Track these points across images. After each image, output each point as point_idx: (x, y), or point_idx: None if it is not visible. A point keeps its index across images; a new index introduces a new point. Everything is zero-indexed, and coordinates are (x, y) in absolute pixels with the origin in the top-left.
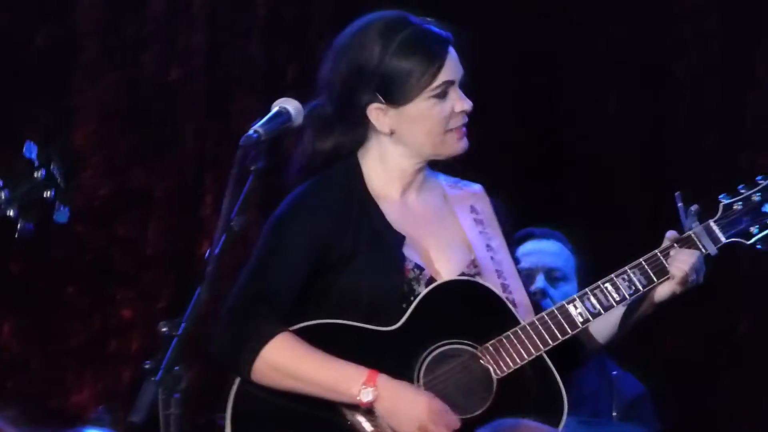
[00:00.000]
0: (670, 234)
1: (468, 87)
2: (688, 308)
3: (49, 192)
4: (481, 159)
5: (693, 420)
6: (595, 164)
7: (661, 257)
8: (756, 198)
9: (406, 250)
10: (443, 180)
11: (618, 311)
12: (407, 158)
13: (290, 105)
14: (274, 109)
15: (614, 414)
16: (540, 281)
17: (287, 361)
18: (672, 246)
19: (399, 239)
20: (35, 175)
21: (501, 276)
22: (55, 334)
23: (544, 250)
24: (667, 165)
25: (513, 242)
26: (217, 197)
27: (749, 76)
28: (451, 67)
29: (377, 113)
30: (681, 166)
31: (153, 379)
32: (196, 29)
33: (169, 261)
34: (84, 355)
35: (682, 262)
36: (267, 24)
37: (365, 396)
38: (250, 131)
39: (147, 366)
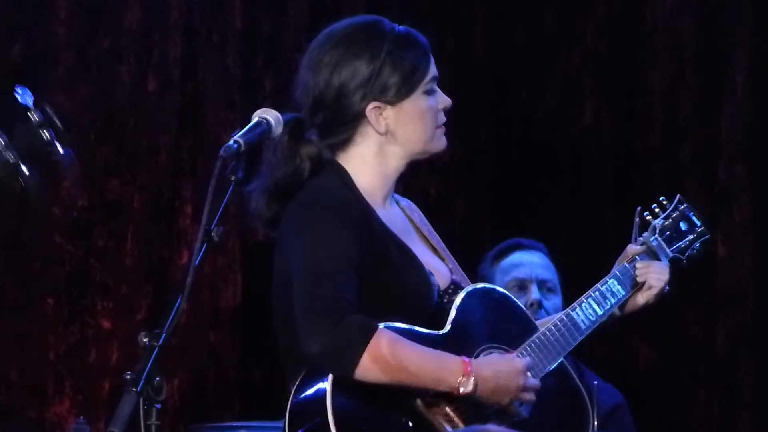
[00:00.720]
0: (631, 248)
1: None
2: (663, 319)
3: (47, 133)
4: (457, 170)
5: None
6: (571, 176)
7: (630, 269)
8: (674, 216)
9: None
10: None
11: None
12: (399, 158)
13: (270, 115)
14: (254, 119)
15: (595, 423)
16: (534, 292)
17: (393, 353)
18: (635, 258)
19: (405, 245)
20: (32, 117)
21: (467, 285)
22: (34, 345)
23: (535, 261)
24: (643, 177)
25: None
26: (195, 208)
27: (724, 87)
28: (434, 64)
29: (376, 113)
30: (657, 177)
31: (133, 389)
32: (172, 41)
33: (148, 271)
34: (63, 365)
35: (659, 273)
36: (243, 35)
37: (467, 387)
38: (230, 141)
39: (127, 377)
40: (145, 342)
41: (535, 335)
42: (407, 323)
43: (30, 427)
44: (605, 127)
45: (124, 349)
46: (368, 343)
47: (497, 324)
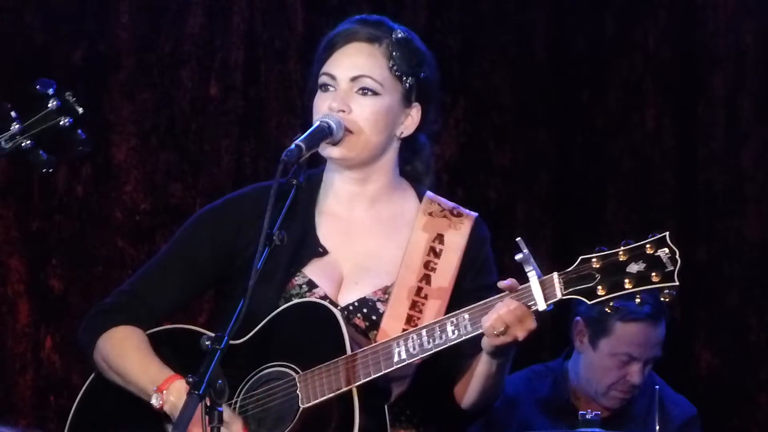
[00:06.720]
0: (502, 283)
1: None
2: (724, 324)
3: (65, 119)
4: (518, 174)
5: None
6: (632, 181)
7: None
8: (620, 258)
9: (314, 265)
10: (429, 204)
11: (480, 372)
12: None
13: (332, 120)
14: (316, 123)
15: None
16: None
17: (110, 354)
18: (506, 294)
19: (317, 252)
20: (49, 105)
21: (416, 308)
22: None
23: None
24: (704, 182)
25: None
26: None
27: None
28: (332, 60)
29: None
30: (719, 182)
31: (195, 392)
32: (235, 46)
33: None
34: None
35: (493, 312)
36: (304, 40)
37: (155, 400)
38: (292, 145)
39: (190, 380)
40: (207, 345)
41: (332, 361)
42: (240, 329)
43: None
44: (667, 132)
45: None
46: (97, 340)
47: (304, 343)
